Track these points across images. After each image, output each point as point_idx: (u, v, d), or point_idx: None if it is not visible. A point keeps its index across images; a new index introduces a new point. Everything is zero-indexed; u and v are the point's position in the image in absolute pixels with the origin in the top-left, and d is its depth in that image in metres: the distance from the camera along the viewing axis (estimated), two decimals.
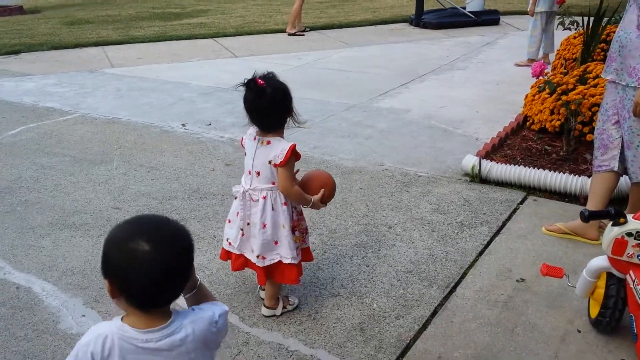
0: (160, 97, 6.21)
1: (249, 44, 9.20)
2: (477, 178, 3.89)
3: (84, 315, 2.63)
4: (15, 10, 14.50)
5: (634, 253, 2.15)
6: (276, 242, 2.44)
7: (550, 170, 3.76)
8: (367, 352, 2.36)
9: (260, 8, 13.39)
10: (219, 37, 9.78)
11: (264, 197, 2.40)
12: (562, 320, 2.53)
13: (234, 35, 9.94)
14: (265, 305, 2.60)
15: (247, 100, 2.34)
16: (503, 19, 10.37)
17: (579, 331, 2.45)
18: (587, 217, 2.15)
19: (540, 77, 4.43)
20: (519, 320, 2.53)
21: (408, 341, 2.42)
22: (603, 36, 5.34)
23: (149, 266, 1.27)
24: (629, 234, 2.13)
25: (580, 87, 4.33)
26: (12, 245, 3.25)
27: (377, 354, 2.35)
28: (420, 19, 10.08)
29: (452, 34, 9.49)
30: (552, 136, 4.42)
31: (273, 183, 2.40)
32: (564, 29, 5.93)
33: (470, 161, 3.93)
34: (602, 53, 5.31)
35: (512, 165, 3.87)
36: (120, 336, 1.32)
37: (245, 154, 2.46)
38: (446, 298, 2.70)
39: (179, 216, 3.47)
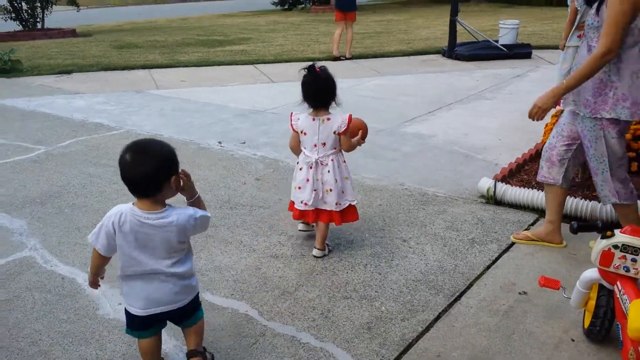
0: (200, 118, 6.61)
1: (287, 70, 9.60)
2: (492, 200, 4.08)
3: (120, 304, 2.92)
4: (69, 33, 15.41)
5: (620, 264, 2.32)
6: (343, 191, 3.28)
7: None
8: (372, 347, 2.58)
9: (300, 38, 13.88)
10: (259, 63, 10.24)
11: (332, 160, 3.24)
12: (558, 329, 2.69)
13: (273, 62, 10.38)
14: (317, 248, 3.37)
15: (306, 82, 3.17)
16: (535, 52, 10.53)
17: (573, 340, 2.62)
18: (575, 229, 2.35)
19: (557, 107, 4.60)
20: (517, 328, 2.71)
21: (411, 340, 2.63)
22: None
23: (128, 170, 2.05)
24: (616, 247, 2.31)
25: None
26: (59, 242, 3.60)
27: (380, 349, 2.56)
28: (453, 51, 10.34)
29: (484, 66, 9.70)
30: None
31: (335, 148, 3.23)
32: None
33: (486, 183, 4.13)
34: None
35: (527, 188, 4.06)
36: (131, 213, 2.09)
37: (305, 134, 3.24)
38: (450, 305, 2.90)
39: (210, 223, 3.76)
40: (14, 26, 15.45)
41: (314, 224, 3.44)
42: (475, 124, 6.16)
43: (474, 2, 23.54)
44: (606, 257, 2.33)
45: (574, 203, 3.82)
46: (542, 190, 4.02)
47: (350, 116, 3.21)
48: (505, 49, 10.17)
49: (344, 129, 3.18)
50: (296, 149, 3.34)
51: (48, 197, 4.29)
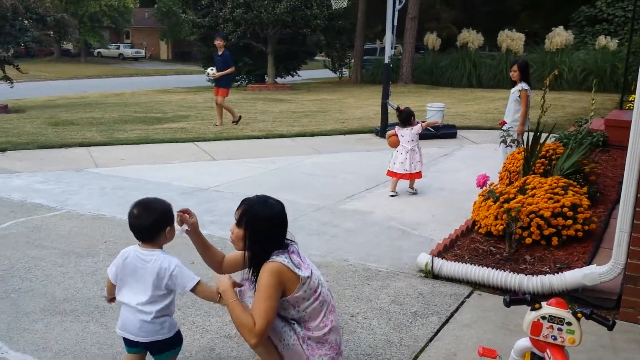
0: (143, 196, 6.63)
1: (227, 148, 9.86)
2: (430, 274, 4.38)
3: None
4: (1, 108, 15.12)
5: (548, 334, 2.61)
6: (421, 162, 6.82)
7: (493, 269, 4.27)
8: None
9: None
10: (199, 141, 10.44)
11: (417, 147, 6.76)
12: None
13: (213, 140, 10.62)
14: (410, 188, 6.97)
15: (398, 114, 7.08)
16: (460, 132, 11.32)
17: None
18: (508, 302, 2.64)
19: (484, 187, 5.06)
20: None
21: None
22: (543, 152, 6.12)
23: (134, 220, 2.78)
24: (543, 317, 2.61)
25: (520, 197, 4.96)
26: (8, 328, 3.55)
27: None
28: (385, 131, 10.96)
29: None
30: (497, 239, 4.98)
31: (417, 142, 6.77)
32: (507, 146, 6.70)
33: (424, 259, 4.44)
34: (542, 167, 6.05)
35: (461, 263, 4.39)
36: (134, 250, 2.80)
37: (402, 136, 6.77)
38: None
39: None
40: None
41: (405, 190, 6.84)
42: (409, 201, 6.56)
43: (401, 83, 24.97)
44: (536, 327, 2.62)
45: (503, 276, 4.16)
46: (474, 265, 4.37)
47: (422, 124, 6.98)
48: (432, 130, 10.88)
49: (420, 130, 6.81)
50: (395, 144, 6.84)
51: None
